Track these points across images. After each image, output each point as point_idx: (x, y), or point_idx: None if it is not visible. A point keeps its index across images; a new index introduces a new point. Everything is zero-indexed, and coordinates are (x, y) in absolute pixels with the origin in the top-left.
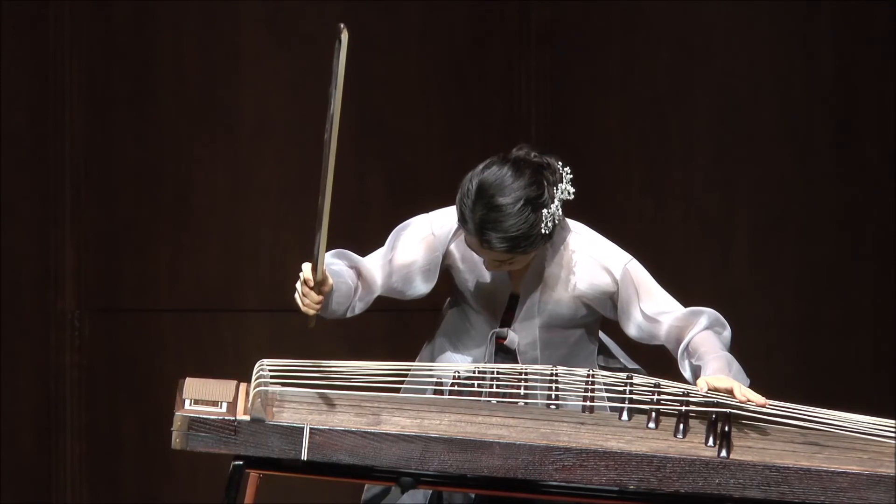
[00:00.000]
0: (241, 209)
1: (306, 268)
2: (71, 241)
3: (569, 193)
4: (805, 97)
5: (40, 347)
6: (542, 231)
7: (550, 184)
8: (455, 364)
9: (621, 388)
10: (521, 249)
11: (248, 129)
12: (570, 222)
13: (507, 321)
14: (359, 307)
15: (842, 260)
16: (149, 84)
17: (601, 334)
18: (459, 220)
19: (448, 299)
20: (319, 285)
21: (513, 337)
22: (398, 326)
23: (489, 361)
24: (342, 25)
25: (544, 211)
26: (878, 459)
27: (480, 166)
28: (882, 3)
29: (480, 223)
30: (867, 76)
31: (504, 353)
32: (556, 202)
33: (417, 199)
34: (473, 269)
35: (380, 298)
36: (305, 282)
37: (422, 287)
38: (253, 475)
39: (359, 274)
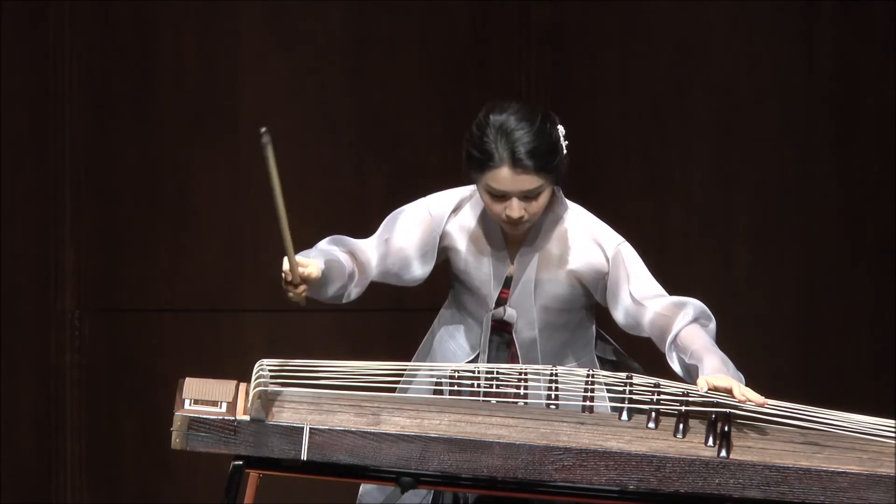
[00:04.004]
0: (241, 209)
1: (284, 262)
2: (71, 241)
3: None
4: (805, 97)
5: (40, 347)
6: (562, 153)
7: (557, 121)
8: (454, 364)
9: (621, 388)
10: (548, 167)
11: (248, 129)
12: (569, 202)
13: (503, 302)
14: (354, 292)
15: (842, 260)
16: (149, 84)
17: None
18: (478, 160)
19: (446, 301)
20: (304, 280)
21: (511, 312)
22: (398, 326)
23: (486, 342)
24: (263, 130)
25: (560, 129)
26: (878, 459)
27: (482, 112)
28: (882, 3)
29: (508, 142)
30: (867, 76)
31: (500, 331)
32: (563, 132)
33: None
34: (471, 248)
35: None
36: (284, 275)
37: (418, 270)
38: (253, 475)
39: (354, 259)
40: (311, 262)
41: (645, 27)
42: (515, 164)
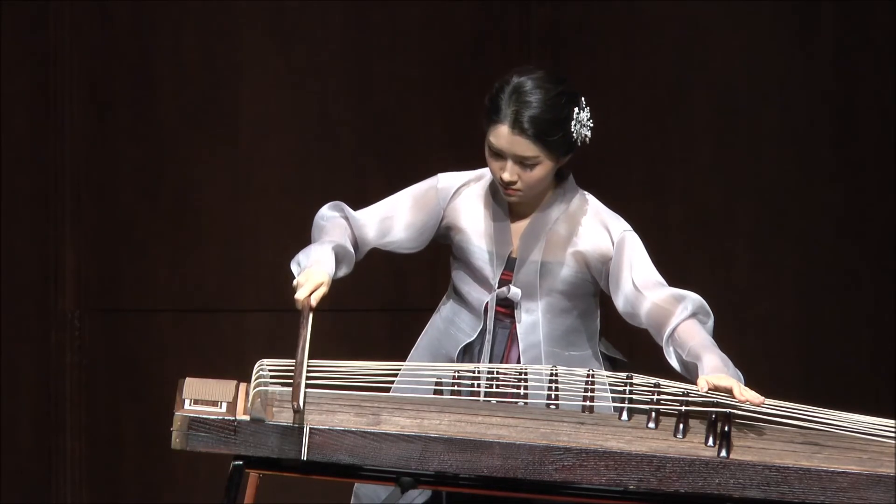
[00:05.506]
0: (241, 209)
1: (294, 267)
2: (71, 241)
3: (589, 129)
4: (805, 97)
5: (40, 347)
6: (570, 130)
7: (581, 103)
8: (455, 364)
9: (621, 388)
10: (546, 138)
11: (248, 129)
12: (580, 189)
13: (505, 283)
14: (357, 257)
15: (842, 260)
16: (149, 84)
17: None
18: (488, 112)
19: (443, 297)
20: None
21: (515, 291)
22: (398, 326)
23: (491, 322)
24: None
25: (576, 109)
26: (878, 459)
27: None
28: (882, 3)
29: (516, 103)
30: (867, 76)
31: (501, 314)
32: (585, 118)
33: None
34: (475, 226)
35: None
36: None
37: (413, 244)
38: (253, 475)
39: (354, 235)
40: (322, 277)
41: (645, 27)
42: (514, 125)
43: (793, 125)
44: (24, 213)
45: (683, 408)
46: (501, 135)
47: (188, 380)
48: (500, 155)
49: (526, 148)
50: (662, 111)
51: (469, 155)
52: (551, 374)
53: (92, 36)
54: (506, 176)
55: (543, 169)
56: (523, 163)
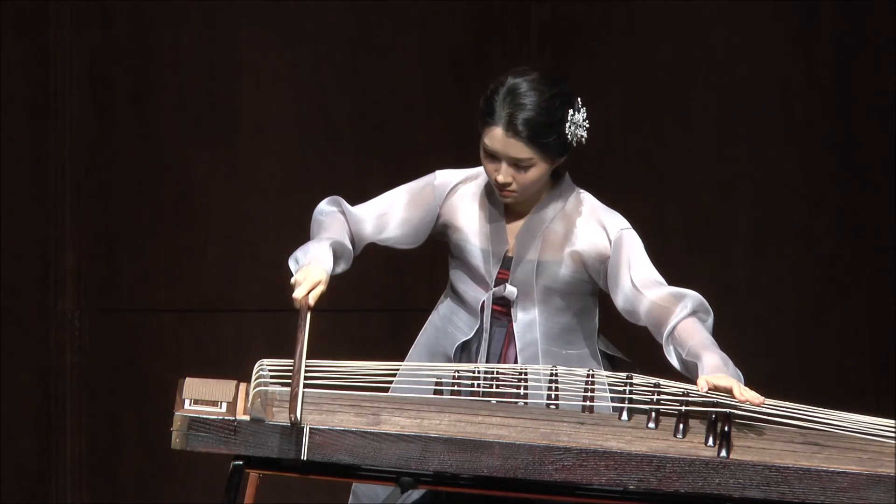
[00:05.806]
0: (241, 209)
1: (292, 264)
2: (71, 241)
3: (585, 129)
4: (805, 97)
5: (40, 347)
6: (565, 132)
7: (577, 105)
8: (455, 364)
9: (621, 388)
10: (540, 140)
11: (248, 129)
12: (576, 187)
13: (502, 282)
14: (354, 253)
15: (841, 260)
16: (149, 84)
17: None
18: (482, 113)
19: (442, 296)
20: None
21: (511, 289)
22: (398, 326)
23: (488, 320)
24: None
25: (571, 111)
26: (878, 459)
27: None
28: (882, 3)
29: (510, 105)
30: (867, 76)
31: (498, 313)
32: (581, 119)
33: None
34: (471, 224)
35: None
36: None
37: (411, 240)
38: (253, 475)
39: (351, 231)
40: (320, 275)
41: (645, 27)
42: (509, 128)
43: (793, 125)
44: (24, 213)
45: (683, 408)
46: (496, 137)
47: (188, 380)
48: (494, 156)
49: (520, 150)
50: (662, 111)
51: (469, 155)
52: (551, 374)
53: (92, 36)
54: (500, 178)
55: (538, 171)
56: (518, 165)
